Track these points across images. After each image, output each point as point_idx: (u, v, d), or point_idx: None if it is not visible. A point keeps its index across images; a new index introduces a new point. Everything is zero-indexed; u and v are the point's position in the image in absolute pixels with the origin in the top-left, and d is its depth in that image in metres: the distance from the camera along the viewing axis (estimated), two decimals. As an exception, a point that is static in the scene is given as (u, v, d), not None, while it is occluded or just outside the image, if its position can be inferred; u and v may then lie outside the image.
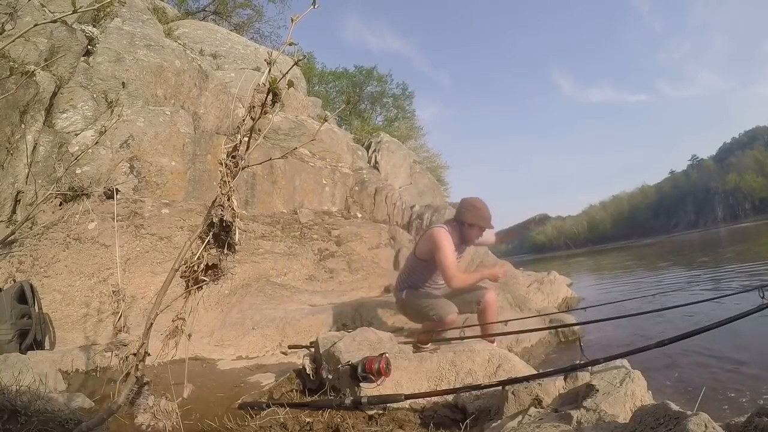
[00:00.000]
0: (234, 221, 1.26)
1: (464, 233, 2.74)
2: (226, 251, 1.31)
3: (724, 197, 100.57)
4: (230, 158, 1.27)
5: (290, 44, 1.32)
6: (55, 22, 1.81)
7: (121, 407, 1.27)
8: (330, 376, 1.98)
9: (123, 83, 4.78)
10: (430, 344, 2.39)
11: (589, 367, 1.54)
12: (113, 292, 1.70)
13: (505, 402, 1.53)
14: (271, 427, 1.58)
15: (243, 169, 1.29)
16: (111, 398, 1.38)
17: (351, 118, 14.99)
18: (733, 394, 2.22)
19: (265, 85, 1.22)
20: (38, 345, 2.69)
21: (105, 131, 3.96)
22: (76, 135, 4.22)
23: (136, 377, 1.29)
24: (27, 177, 3.70)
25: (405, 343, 2.36)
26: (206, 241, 1.29)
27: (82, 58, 4.68)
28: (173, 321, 1.35)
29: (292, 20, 1.26)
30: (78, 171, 4.03)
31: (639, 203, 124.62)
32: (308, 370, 2.11)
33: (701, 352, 3.01)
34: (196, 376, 2.44)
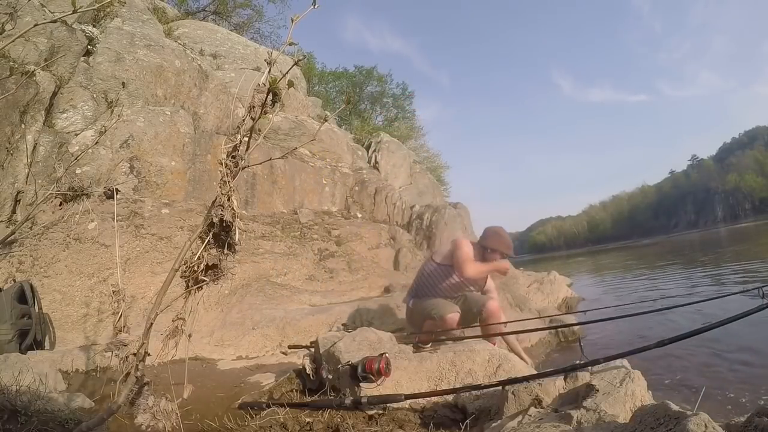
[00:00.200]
0: (234, 221, 1.26)
1: (486, 257, 2.85)
2: (226, 251, 1.31)
3: (724, 197, 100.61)
4: (230, 158, 1.27)
5: (290, 44, 1.32)
6: (55, 22, 1.80)
7: (121, 407, 1.27)
8: (330, 376, 1.98)
9: (123, 83, 4.78)
10: (429, 344, 2.40)
11: (589, 367, 1.54)
12: (113, 292, 1.70)
13: (505, 402, 1.53)
14: (271, 427, 1.58)
15: (243, 169, 1.29)
16: (111, 398, 1.38)
17: (351, 118, 14.98)
18: (733, 394, 2.22)
19: (265, 85, 1.22)
20: (38, 345, 2.69)
21: (105, 131, 3.95)
22: (76, 135, 4.22)
23: (136, 377, 1.29)
24: (27, 177, 3.70)
25: (405, 343, 2.36)
26: (206, 241, 1.29)
27: (82, 58, 4.68)
28: (173, 321, 1.35)
29: (292, 20, 1.26)
30: (78, 171, 4.03)
31: (639, 203, 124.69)
32: (308, 370, 2.11)
33: (701, 352, 3.02)
34: (196, 376, 2.44)
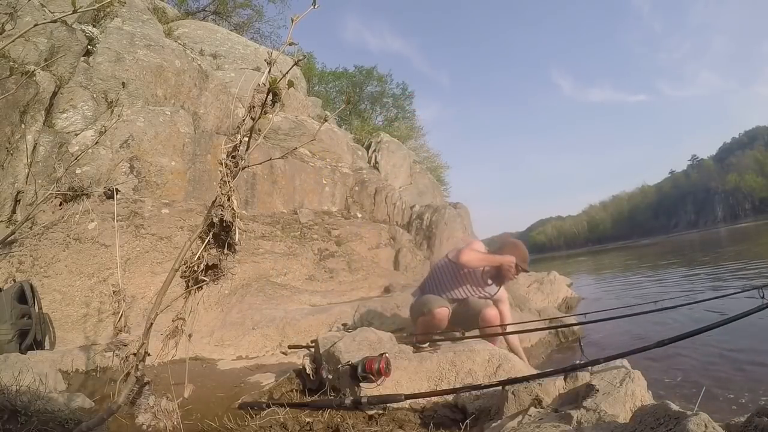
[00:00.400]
0: (234, 221, 1.26)
1: (501, 269, 2.82)
2: (226, 251, 1.31)
3: (724, 197, 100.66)
4: (230, 158, 1.27)
5: (290, 44, 1.32)
6: (55, 22, 1.80)
7: (121, 407, 1.27)
8: (330, 376, 1.98)
9: (123, 83, 4.78)
10: (427, 344, 2.40)
11: (589, 367, 1.54)
12: (113, 292, 1.70)
13: (505, 402, 1.53)
14: (271, 427, 1.58)
15: (243, 169, 1.29)
16: (111, 398, 1.38)
17: (351, 118, 14.98)
18: (733, 394, 2.22)
19: (265, 85, 1.22)
20: (38, 345, 2.69)
21: (105, 131, 3.96)
22: (76, 135, 4.22)
23: (137, 377, 1.29)
24: (27, 177, 3.70)
25: (405, 343, 2.36)
26: (206, 241, 1.29)
27: (82, 58, 4.68)
28: (173, 321, 1.35)
29: (292, 20, 1.26)
30: (78, 171, 4.03)
31: (639, 203, 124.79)
32: (308, 370, 2.11)
33: (701, 352, 3.02)
34: (196, 376, 2.44)
